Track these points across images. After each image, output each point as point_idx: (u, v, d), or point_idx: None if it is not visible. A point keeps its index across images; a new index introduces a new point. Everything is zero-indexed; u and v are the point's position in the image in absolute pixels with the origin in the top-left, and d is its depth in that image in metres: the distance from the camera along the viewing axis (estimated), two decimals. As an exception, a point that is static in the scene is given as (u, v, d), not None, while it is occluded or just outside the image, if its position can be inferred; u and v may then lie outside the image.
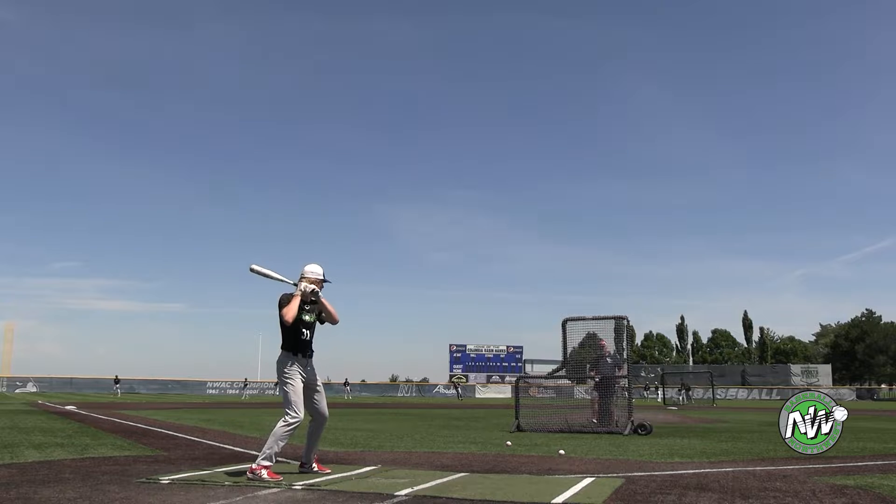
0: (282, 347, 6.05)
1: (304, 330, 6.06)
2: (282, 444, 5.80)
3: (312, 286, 6.09)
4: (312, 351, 6.17)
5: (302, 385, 5.98)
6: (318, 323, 6.26)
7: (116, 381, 51.45)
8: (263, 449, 5.81)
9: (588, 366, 12.56)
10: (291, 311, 5.93)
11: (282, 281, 6.22)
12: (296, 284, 6.11)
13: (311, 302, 6.12)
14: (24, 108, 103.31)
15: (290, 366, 5.95)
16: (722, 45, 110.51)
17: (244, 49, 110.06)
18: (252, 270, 6.17)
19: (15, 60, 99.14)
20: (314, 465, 6.19)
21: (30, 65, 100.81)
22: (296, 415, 5.81)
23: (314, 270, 6.18)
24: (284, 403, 5.88)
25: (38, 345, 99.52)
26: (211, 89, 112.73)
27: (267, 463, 5.71)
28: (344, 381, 57.52)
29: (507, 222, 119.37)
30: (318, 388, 6.17)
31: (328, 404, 6.34)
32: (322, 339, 6.35)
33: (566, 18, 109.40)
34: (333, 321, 6.28)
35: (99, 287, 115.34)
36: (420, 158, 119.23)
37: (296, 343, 6.00)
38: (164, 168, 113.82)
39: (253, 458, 7.05)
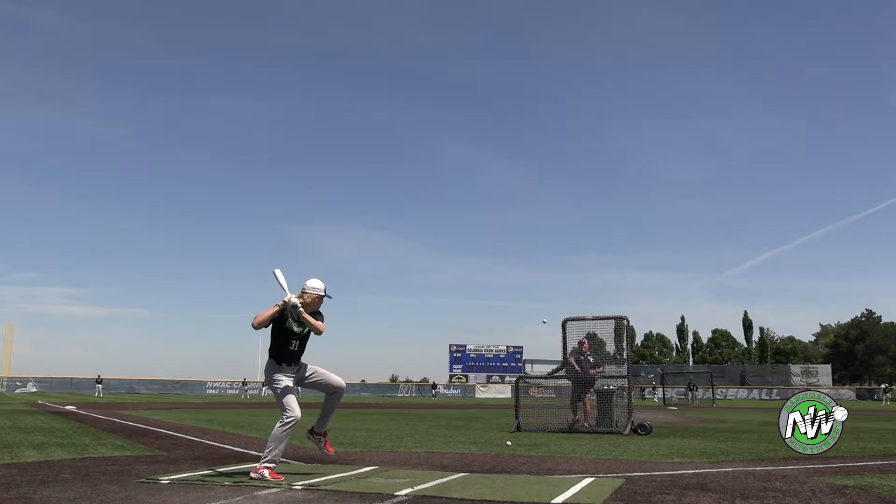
0: (269, 355, 6.01)
1: (292, 340, 5.97)
2: (282, 445, 5.82)
3: (295, 301, 5.87)
4: (300, 361, 6.09)
5: (291, 385, 5.94)
6: (310, 333, 6.15)
7: (98, 380, 51.35)
8: (265, 451, 5.82)
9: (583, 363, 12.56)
10: (259, 318, 5.85)
11: (282, 290, 6.17)
12: (285, 295, 5.93)
13: (294, 318, 5.96)
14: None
15: (276, 374, 5.93)
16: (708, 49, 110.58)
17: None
18: (274, 274, 6.10)
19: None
20: (323, 439, 6.23)
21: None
22: (291, 415, 5.81)
23: (315, 287, 6.07)
24: (278, 405, 5.89)
25: (41, 345, 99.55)
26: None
27: (270, 464, 5.73)
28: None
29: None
30: (314, 373, 6.12)
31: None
32: (323, 339, 6.32)
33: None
34: (317, 333, 6.14)
35: (110, 296, 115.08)
36: (420, 157, 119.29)
37: (281, 353, 5.94)
38: (168, 170, 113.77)
39: (253, 459, 7.06)
